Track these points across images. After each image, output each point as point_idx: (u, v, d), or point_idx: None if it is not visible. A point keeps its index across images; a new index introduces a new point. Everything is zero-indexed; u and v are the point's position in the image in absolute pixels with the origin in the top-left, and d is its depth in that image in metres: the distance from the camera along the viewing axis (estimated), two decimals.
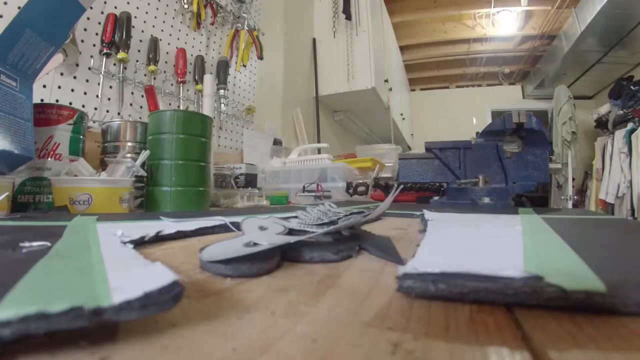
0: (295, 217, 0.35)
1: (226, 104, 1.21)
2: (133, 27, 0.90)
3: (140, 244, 0.23)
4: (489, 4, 3.21)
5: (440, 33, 3.69)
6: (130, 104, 0.91)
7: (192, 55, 1.12)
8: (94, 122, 0.74)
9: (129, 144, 0.68)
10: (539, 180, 0.73)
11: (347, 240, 0.22)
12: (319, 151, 1.44)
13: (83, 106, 0.79)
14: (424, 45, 3.84)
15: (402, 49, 3.69)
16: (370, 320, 0.11)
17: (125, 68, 0.89)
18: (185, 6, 1.08)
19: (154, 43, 0.96)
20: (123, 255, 0.16)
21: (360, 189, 0.96)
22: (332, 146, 1.86)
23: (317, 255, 0.19)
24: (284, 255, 0.19)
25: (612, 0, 2.18)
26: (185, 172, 0.58)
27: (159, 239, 0.25)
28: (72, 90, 0.77)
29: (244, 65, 1.31)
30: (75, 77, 0.78)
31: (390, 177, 1.18)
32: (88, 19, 0.81)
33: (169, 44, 1.05)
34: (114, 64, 0.86)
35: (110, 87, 0.86)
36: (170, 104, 1.03)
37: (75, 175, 0.49)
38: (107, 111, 0.85)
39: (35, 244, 0.18)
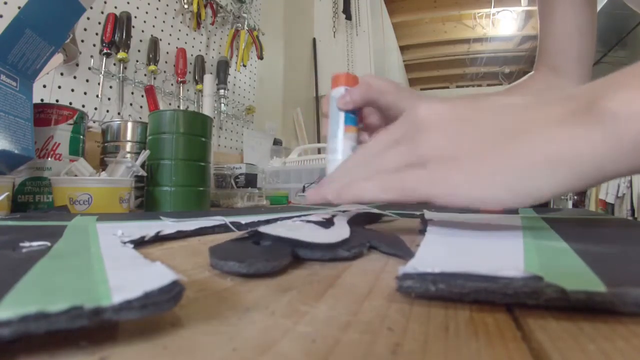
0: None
1: (226, 104, 1.21)
2: (133, 27, 0.90)
3: (140, 244, 0.23)
4: (489, 4, 3.21)
5: (440, 33, 3.69)
6: (130, 104, 0.91)
7: (192, 55, 1.12)
8: (94, 122, 0.74)
9: (129, 144, 0.68)
10: None
11: (358, 238, 0.22)
12: (319, 151, 1.44)
13: (83, 106, 0.79)
14: (424, 45, 3.84)
15: (402, 49, 3.68)
16: (370, 320, 0.11)
17: (125, 68, 0.89)
18: (185, 6, 1.08)
19: (154, 43, 0.96)
20: (123, 255, 0.16)
21: None
22: None
23: (329, 252, 0.19)
24: (296, 253, 0.19)
25: (612, 0, 2.18)
26: (185, 172, 0.57)
27: (159, 239, 0.25)
28: (72, 90, 0.77)
29: (244, 65, 1.31)
30: (75, 77, 0.78)
31: None
32: (88, 19, 0.81)
33: (169, 44, 1.05)
34: (114, 64, 0.86)
35: (110, 87, 0.86)
36: (170, 104, 1.03)
37: (75, 175, 0.49)
38: (107, 111, 0.85)
39: (35, 244, 0.18)
